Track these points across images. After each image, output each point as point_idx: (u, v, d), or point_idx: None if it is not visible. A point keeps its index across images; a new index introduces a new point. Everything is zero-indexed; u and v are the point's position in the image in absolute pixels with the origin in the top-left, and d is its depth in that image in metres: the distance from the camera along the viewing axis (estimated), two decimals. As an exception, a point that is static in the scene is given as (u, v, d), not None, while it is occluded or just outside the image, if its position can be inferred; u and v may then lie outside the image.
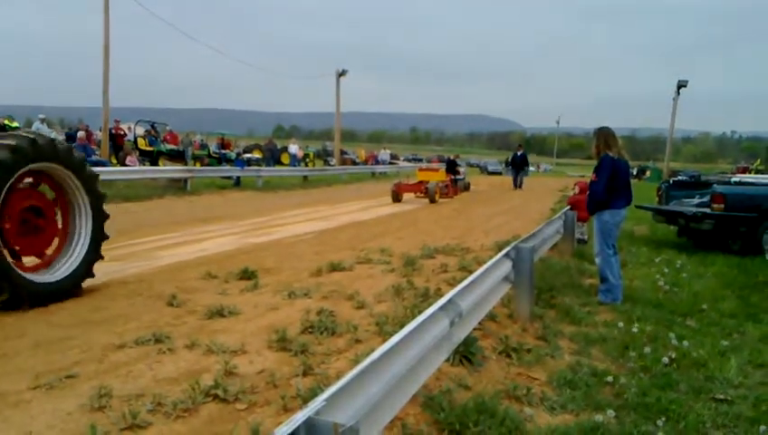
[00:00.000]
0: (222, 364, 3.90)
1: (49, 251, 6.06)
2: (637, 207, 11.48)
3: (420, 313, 4.87)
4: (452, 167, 24.02)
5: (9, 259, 5.35)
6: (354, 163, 44.00)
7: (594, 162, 6.94)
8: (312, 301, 5.85)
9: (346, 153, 47.64)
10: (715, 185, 10.93)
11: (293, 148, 35.25)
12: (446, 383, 3.79)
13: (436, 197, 19.29)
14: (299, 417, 1.99)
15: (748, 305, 6.56)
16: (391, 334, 4.52)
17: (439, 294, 5.81)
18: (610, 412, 3.65)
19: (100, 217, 6.37)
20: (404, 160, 60.04)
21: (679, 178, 14.86)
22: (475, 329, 4.41)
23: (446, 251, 8.81)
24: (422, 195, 19.56)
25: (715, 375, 4.41)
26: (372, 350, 4.13)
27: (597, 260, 6.84)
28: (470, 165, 61.52)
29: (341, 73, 36.54)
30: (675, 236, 12.15)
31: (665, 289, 7.28)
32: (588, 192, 7.22)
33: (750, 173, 24.28)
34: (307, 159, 38.99)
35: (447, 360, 3.89)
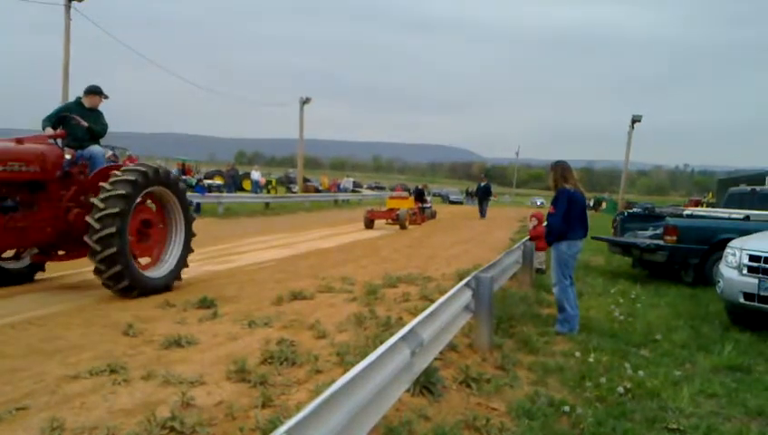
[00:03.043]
0: (179, 396, 3.83)
1: (155, 254, 7.96)
2: (593, 238, 11.75)
3: (382, 342, 4.90)
4: (420, 195, 25.33)
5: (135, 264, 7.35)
6: (317, 190, 43.99)
7: (552, 193, 7.12)
8: (272, 330, 5.80)
9: (309, 180, 47.61)
10: (667, 218, 11.26)
11: (256, 174, 35.09)
12: (407, 414, 3.79)
13: (407, 223, 20.38)
14: (259, 450, 1.98)
15: (699, 336, 6.74)
16: (353, 365, 4.53)
17: (401, 323, 5.83)
18: (567, 442, 3.70)
19: (189, 228, 8.29)
20: (367, 188, 60.30)
21: (634, 210, 15.26)
22: (435, 359, 4.44)
23: (409, 280, 8.86)
24: (392, 222, 20.60)
25: (669, 405, 4.51)
26: (333, 380, 4.11)
27: (554, 290, 6.97)
28: (431, 194, 62.16)
29: (305, 101, 36.73)
30: (629, 267, 12.46)
31: (620, 319, 7.44)
32: (546, 223, 7.38)
33: (702, 206, 25.10)
34: (269, 186, 38.84)
35: (408, 390, 3.90)
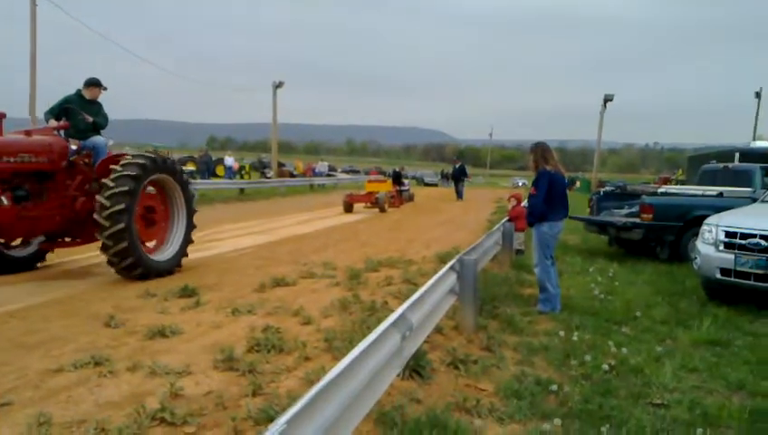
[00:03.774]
0: (167, 386, 3.80)
1: (159, 238, 8.37)
2: (570, 217, 11.87)
3: (369, 327, 4.90)
4: (398, 178, 25.58)
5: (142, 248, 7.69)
6: (292, 175, 43.67)
7: (531, 174, 7.15)
8: (256, 317, 5.76)
9: (283, 165, 47.23)
10: (643, 196, 11.40)
11: (229, 160, 34.72)
12: (398, 398, 3.80)
13: (386, 206, 20.61)
14: (260, 441, 1.97)
15: (678, 312, 6.87)
16: (340, 350, 4.54)
17: (386, 307, 5.85)
18: (557, 421, 3.74)
19: (190, 212, 8.70)
20: (342, 172, 60.07)
21: (607, 188, 15.41)
22: (423, 342, 4.45)
23: (390, 263, 8.86)
24: (371, 205, 20.75)
25: (652, 381, 4.59)
26: (323, 367, 4.13)
27: (536, 270, 7.02)
28: (408, 177, 62.23)
29: (278, 85, 36.29)
30: (606, 246, 12.63)
31: (600, 297, 7.54)
32: (528, 204, 7.42)
33: (672, 183, 25.44)
34: (243, 172, 38.44)
35: (398, 374, 3.90)
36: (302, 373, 4.14)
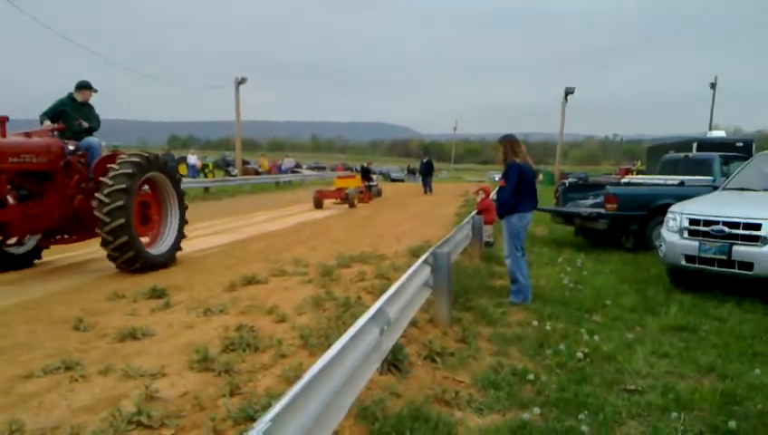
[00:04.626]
0: (142, 389, 3.71)
1: (154, 233, 8.77)
2: (536, 209, 12.01)
3: (344, 323, 4.89)
4: (366, 174, 25.62)
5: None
6: (257, 173, 43.18)
7: (497, 167, 7.20)
8: (229, 317, 5.68)
9: (248, 163, 46.70)
10: (607, 186, 11.61)
11: (192, 158, 34.17)
12: (378, 393, 3.79)
13: (356, 202, 20.78)
14: (247, 440, 1.93)
15: (645, 299, 7.02)
16: (317, 347, 4.51)
17: (360, 303, 5.83)
18: (535, 410, 3.78)
19: (182, 208, 9.19)
20: (307, 169, 59.70)
21: (572, 179, 15.64)
22: (400, 336, 4.45)
23: (362, 259, 8.84)
24: (341, 201, 20.87)
25: (625, 367, 4.68)
26: (300, 364, 4.10)
27: (507, 262, 7.08)
28: (375, 173, 62.19)
29: (240, 81, 35.89)
30: (572, 236, 12.82)
31: (570, 287, 7.66)
32: (497, 197, 7.48)
33: (633, 174, 25.97)
34: (206, 170, 37.89)
35: (377, 369, 3.89)
36: (279, 371, 4.09)
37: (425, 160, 31.32)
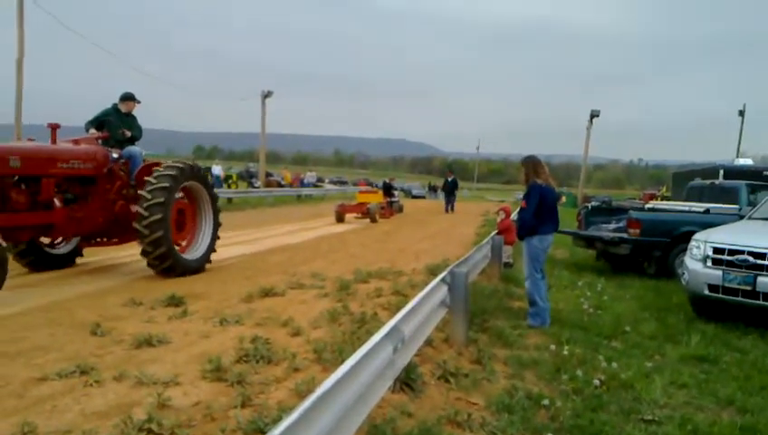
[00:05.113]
0: (154, 396, 3.72)
1: (189, 240, 9.16)
2: (558, 232, 11.92)
3: (359, 338, 4.86)
4: (388, 190, 25.87)
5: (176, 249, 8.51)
6: (280, 185, 43.51)
7: (520, 188, 7.17)
8: (245, 328, 5.69)
9: (271, 175, 47.08)
10: (630, 211, 11.47)
11: (217, 169, 34.52)
12: (389, 411, 3.76)
13: (377, 217, 20.88)
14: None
15: (666, 327, 6.89)
16: (330, 362, 4.49)
17: (376, 318, 5.80)
18: (549, 436, 3.72)
19: (216, 217, 9.55)
20: (329, 183, 60.00)
21: (595, 203, 15.51)
22: (414, 354, 4.41)
23: (379, 275, 8.82)
24: (362, 216, 21.00)
25: (642, 396, 4.59)
26: (312, 378, 4.08)
27: (526, 284, 7.02)
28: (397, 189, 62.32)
29: (267, 94, 36.29)
30: (593, 260, 12.67)
31: (589, 312, 7.55)
32: (518, 218, 7.42)
33: (657, 199, 25.67)
34: (230, 181, 38.24)
35: (389, 387, 3.86)
36: (291, 385, 4.08)
37: (450, 178, 31.13)
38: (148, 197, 8.11)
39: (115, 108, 9.23)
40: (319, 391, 2.49)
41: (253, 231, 15.99)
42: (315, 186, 46.74)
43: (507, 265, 10.49)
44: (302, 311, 6.46)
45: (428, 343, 5.33)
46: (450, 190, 30.25)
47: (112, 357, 4.66)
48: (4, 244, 6.95)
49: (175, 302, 6.60)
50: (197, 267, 8.89)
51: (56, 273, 8.41)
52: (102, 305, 6.47)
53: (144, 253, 8.19)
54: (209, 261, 9.30)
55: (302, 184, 45.30)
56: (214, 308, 6.48)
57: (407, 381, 4.22)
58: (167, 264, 8.26)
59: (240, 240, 13.69)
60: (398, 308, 4.76)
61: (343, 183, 63.37)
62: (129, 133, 9.08)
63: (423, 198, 55.17)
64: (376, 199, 22.56)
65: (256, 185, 39.47)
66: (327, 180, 64.45)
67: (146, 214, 8.04)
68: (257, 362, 4.57)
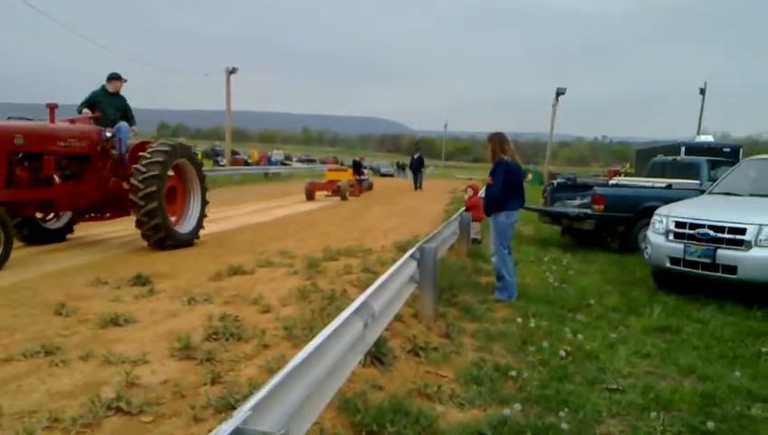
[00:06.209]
0: (122, 375, 3.68)
1: (179, 214, 9.50)
2: (524, 208, 12.06)
3: (328, 315, 4.88)
4: (358, 168, 26.15)
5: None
6: (246, 164, 43.07)
7: (487, 165, 7.22)
8: (213, 306, 5.65)
9: (237, 153, 46.52)
10: (595, 187, 11.66)
11: (182, 147, 33.97)
12: (360, 385, 3.79)
13: (347, 194, 21.02)
14: (225, 428, 1.92)
15: (629, 299, 7.07)
16: (300, 338, 4.50)
17: (346, 295, 5.82)
18: (516, 406, 3.80)
19: (204, 192, 9.90)
20: (297, 161, 59.56)
21: (560, 180, 15.71)
22: (384, 329, 4.45)
23: (349, 252, 8.82)
24: (332, 193, 21.07)
25: (607, 366, 4.71)
26: (282, 355, 4.08)
27: (493, 259, 7.11)
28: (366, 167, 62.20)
29: (232, 71, 35.70)
30: (559, 236, 12.88)
31: (554, 286, 7.70)
32: (485, 194, 7.49)
33: (621, 175, 26.10)
34: (196, 159, 37.68)
35: (360, 362, 3.89)
36: (261, 361, 4.08)
37: (416, 156, 31.37)
38: (143, 170, 8.46)
39: (103, 89, 9.51)
40: (289, 366, 2.50)
41: (220, 210, 15.75)
42: (283, 164, 46.36)
43: (475, 241, 10.60)
44: (271, 288, 6.43)
45: (398, 318, 5.37)
46: (416, 168, 30.52)
47: (78, 337, 4.59)
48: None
49: (141, 281, 6.50)
50: (188, 240, 9.28)
51: (23, 251, 8.23)
52: (67, 285, 6.35)
53: (139, 223, 8.54)
54: (198, 237, 9.63)
55: (270, 162, 44.89)
56: (182, 287, 6.41)
57: (377, 356, 4.26)
58: (160, 235, 8.60)
59: (207, 219, 13.50)
60: (368, 285, 4.77)
61: (311, 161, 62.95)
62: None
63: (392, 176, 55.25)
64: (346, 177, 22.69)
65: (222, 163, 39.00)
66: (295, 159, 63.97)
67: (141, 186, 8.37)
68: (227, 339, 4.55)
